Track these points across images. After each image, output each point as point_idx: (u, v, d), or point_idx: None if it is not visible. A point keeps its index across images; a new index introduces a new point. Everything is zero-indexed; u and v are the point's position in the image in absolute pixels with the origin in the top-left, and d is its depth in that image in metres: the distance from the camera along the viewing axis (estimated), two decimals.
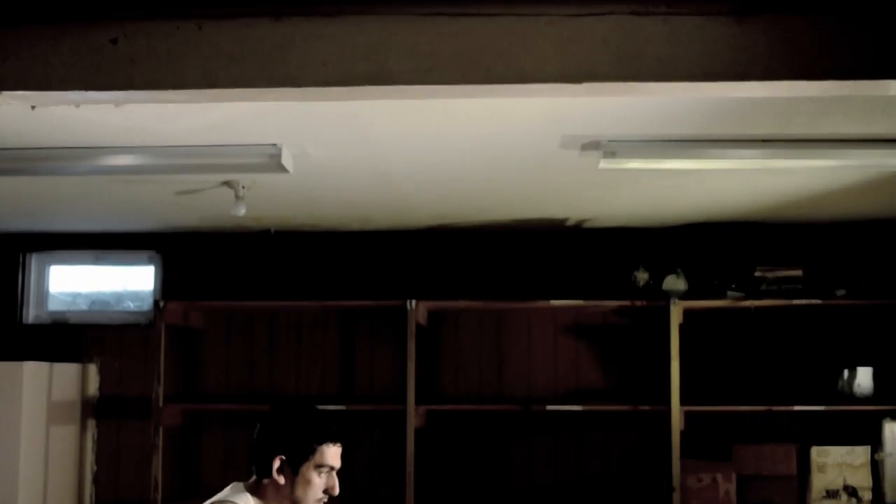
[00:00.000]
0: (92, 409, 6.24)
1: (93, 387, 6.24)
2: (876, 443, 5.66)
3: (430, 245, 6.17)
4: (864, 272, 5.75)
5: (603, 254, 6.08)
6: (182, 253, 6.29)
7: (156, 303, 5.82)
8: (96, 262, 6.46)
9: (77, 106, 3.35)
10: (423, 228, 6.05)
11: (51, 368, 5.88)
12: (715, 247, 5.96)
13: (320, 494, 3.09)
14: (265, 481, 3.07)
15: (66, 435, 6.01)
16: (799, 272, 5.68)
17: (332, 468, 3.09)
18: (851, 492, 5.60)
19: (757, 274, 5.66)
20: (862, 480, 5.61)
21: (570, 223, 5.87)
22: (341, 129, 3.90)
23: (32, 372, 5.73)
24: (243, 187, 4.75)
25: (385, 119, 3.76)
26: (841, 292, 5.64)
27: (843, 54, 2.77)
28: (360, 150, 4.20)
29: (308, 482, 3.05)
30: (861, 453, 5.63)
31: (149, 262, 6.39)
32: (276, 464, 3.03)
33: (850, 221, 5.80)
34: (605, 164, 4.08)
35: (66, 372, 6.04)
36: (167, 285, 6.27)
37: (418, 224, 5.94)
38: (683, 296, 5.63)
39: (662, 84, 2.81)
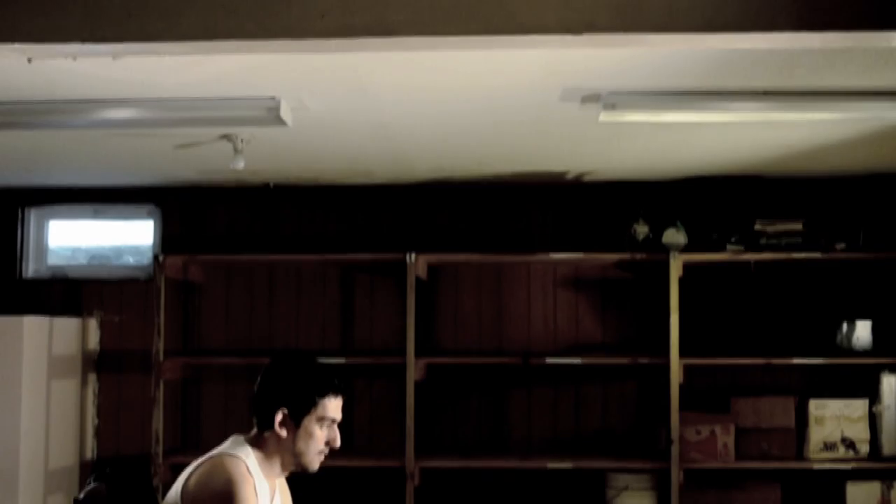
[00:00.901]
0: (92, 363, 6.25)
1: (93, 341, 6.25)
2: (874, 396, 5.68)
3: (430, 199, 6.16)
4: (864, 225, 5.74)
5: (603, 207, 6.07)
6: (181, 207, 6.29)
7: (155, 257, 5.81)
8: (95, 216, 6.45)
9: (74, 59, 3.33)
10: (422, 182, 6.03)
11: (51, 323, 5.89)
12: (715, 200, 5.95)
13: (322, 447, 3.10)
14: (266, 434, 3.08)
15: (67, 389, 6.03)
16: (799, 225, 5.67)
17: (333, 420, 3.11)
18: (849, 444, 5.63)
19: (757, 227, 5.66)
20: (859, 433, 5.64)
21: (569, 176, 5.85)
22: (340, 82, 3.88)
23: (32, 326, 5.74)
24: (242, 141, 4.73)
25: (384, 71, 3.74)
26: (841, 246, 5.64)
27: (846, 5, 2.75)
28: (359, 102, 4.18)
29: (310, 435, 3.06)
30: (859, 406, 5.66)
31: (148, 216, 6.37)
32: (279, 417, 3.04)
33: (850, 175, 5.78)
34: (605, 116, 4.06)
35: (67, 326, 6.05)
36: (166, 239, 6.27)
37: (418, 178, 5.92)
38: (683, 249, 5.63)
39: (663, 35, 2.80)
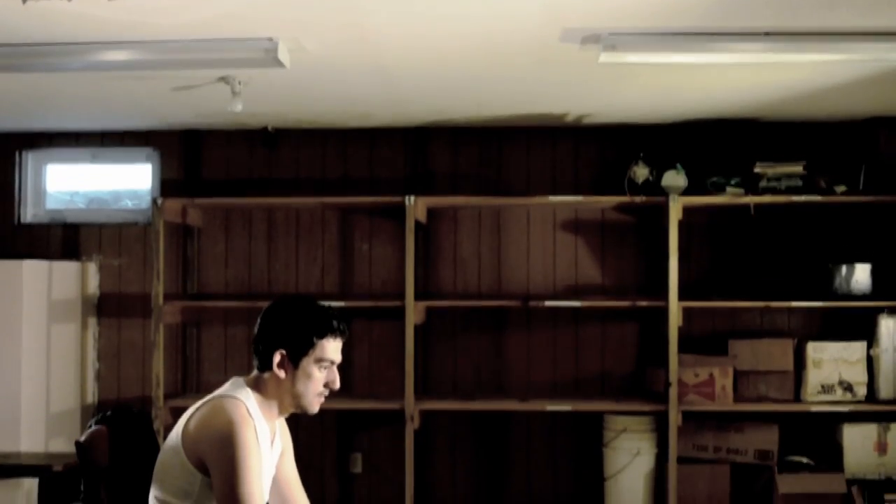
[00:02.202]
0: (92, 307, 6.26)
1: (92, 285, 6.26)
2: (872, 339, 5.70)
3: (429, 142, 6.13)
4: (864, 168, 5.72)
5: (602, 150, 6.05)
6: (179, 150, 6.26)
7: (153, 201, 5.80)
8: (93, 160, 6.43)
9: (69, 0, 3.30)
10: (422, 125, 6.01)
11: (50, 267, 5.89)
12: (715, 143, 5.93)
13: (321, 388, 3.11)
14: (266, 375, 3.09)
15: (67, 333, 6.04)
16: (799, 168, 5.65)
17: (332, 362, 3.11)
18: (846, 387, 5.65)
19: (757, 170, 5.64)
20: (857, 376, 5.66)
21: (569, 119, 5.83)
22: (338, 23, 3.84)
23: (32, 270, 5.74)
24: (240, 83, 4.70)
25: (383, 12, 3.71)
26: (841, 189, 5.63)
27: None
28: (358, 44, 4.15)
29: (309, 376, 3.06)
30: (857, 349, 5.67)
31: (146, 159, 6.35)
32: (277, 358, 3.04)
33: (851, 118, 5.76)
34: (605, 57, 4.03)
35: (66, 270, 6.06)
36: (165, 183, 6.25)
37: (417, 121, 5.90)
38: (683, 192, 5.61)
39: None
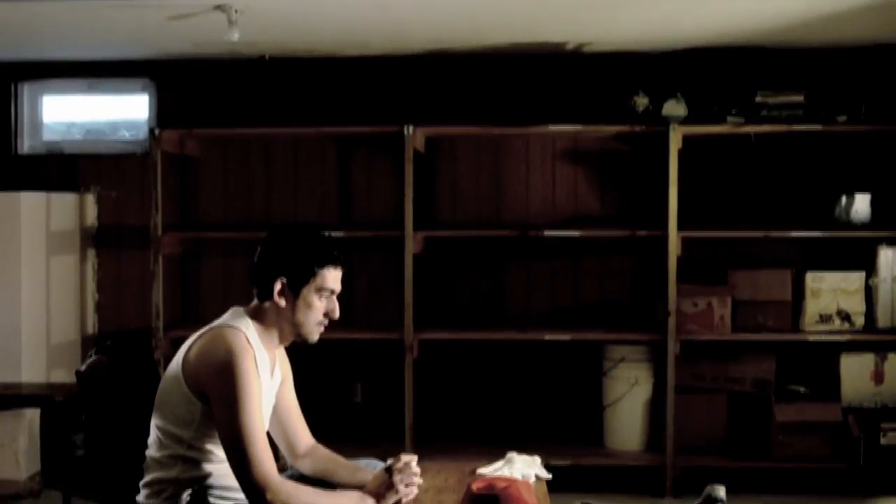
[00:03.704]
0: (91, 238, 6.26)
1: (91, 216, 6.25)
2: (871, 269, 5.70)
3: (428, 71, 6.09)
4: (865, 98, 5.69)
5: (602, 79, 6.01)
6: (176, 80, 6.22)
7: (151, 131, 5.77)
8: (90, 90, 6.39)
9: None
10: (420, 53, 5.95)
11: (48, 198, 5.88)
12: (716, 71, 5.89)
13: (320, 318, 3.11)
14: (266, 305, 3.09)
15: (66, 265, 6.04)
16: (800, 98, 5.62)
17: (332, 292, 3.11)
18: (844, 316, 5.67)
19: (758, 99, 5.61)
20: (855, 305, 5.68)
21: (569, 47, 5.78)
22: None
23: (30, 202, 5.73)
24: (236, 11, 4.65)
25: None
26: (842, 118, 5.60)
27: None
28: None
29: (309, 305, 3.07)
30: (855, 279, 5.68)
31: (143, 90, 6.31)
32: (278, 286, 3.05)
33: (852, 46, 5.71)
34: None
35: (64, 202, 6.04)
36: (162, 113, 6.22)
37: (416, 49, 5.84)
38: (683, 121, 5.59)
39: None
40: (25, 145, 6.36)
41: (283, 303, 3.06)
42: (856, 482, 5.52)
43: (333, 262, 3.08)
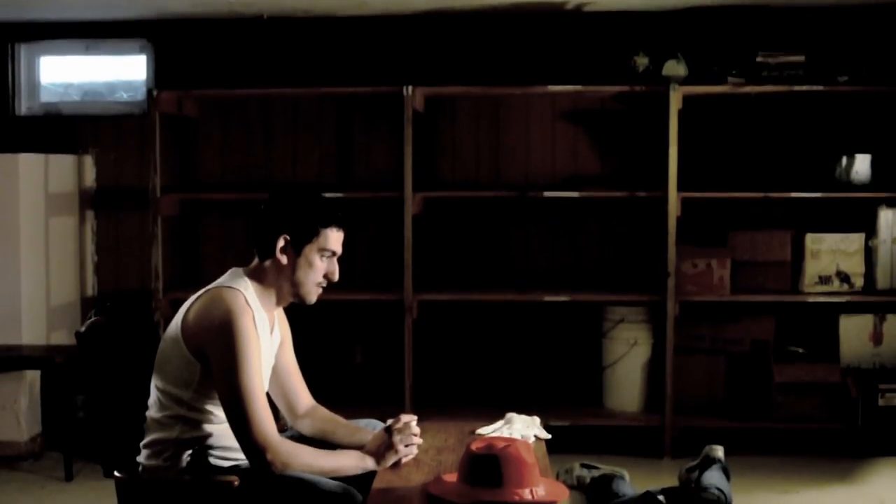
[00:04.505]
0: (90, 200, 6.25)
1: (89, 178, 6.24)
2: (870, 230, 5.70)
3: (427, 30, 6.05)
4: (867, 58, 5.66)
5: (602, 38, 5.97)
6: (174, 41, 6.18)
7: (149, 92, 5.74)
8: (87, 51, 6.35)
9: None
10: (420, 13, 5.91)
11: (46, 160, 5.86)
12: (717, 31, 5.86)
13: (320, 279, 3.12)
14: (266, 264, 3.09)
15: (65, 226, 6.04)
16: (801, 58, 5.59)
17: (333, 253, 3.12)
18: (844, 278, 5.67)
19: (758, 59, 5.58)
20: (855, 267, 5.68)
21: (569, 6, 5.74)
22: None
23: (28, 163, 5.71)
24: None
25: None
26: (843, 78, 5.57)
27: None
28: None
29: (310, 264, 3.08)
30: (855, 240, 5.68)
31: (141, 51, 6.27)
32: (281, 243, 3.05)
33: (854, 6, 5.68)
34: None
35: (62, 163, 6.03)
36: (160, 74, 6.18)
37: (415, 8, 5.80)
38: (683, 81, 5.56)
39: None
40: (23, 107, 6.34)
41: (284, 260, 3.06)
42: (854, 443, 5.54)
43: (337, 223, 3.09)
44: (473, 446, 2.82)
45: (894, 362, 5.66)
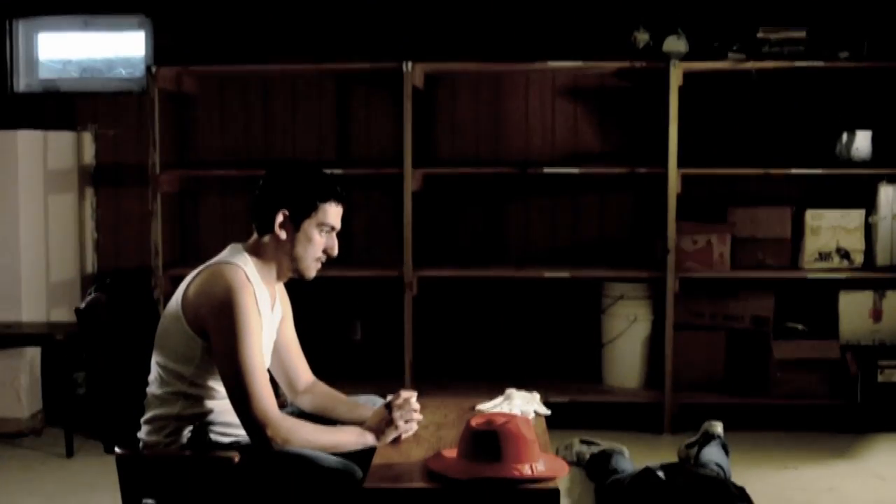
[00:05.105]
0: (89, 177, 6.24)
1: (88, 155, 6.22)
2: (870, 206, 5.69)
3: (427, 5, 6.03)
4: (868, 34, 5.64)
5: (603, 14, 5.95)
6: (173, 16, 6.16)
7: (148, 68, 5.72)
8: (86, 27, 6.33)
9: None
10: None
11: (45, 137, 5.84)
12: (717, 7, 5.84)
13: (319, 254, 3.12)
14: (265, 239, 3.09)
15: (64, 203, 6.03)
16: (802, 33, 5.57)
17: (332, 228, 3.12)
18: (844, 254, 5.67)
19: (759, 35, 5.56)
20: (855, 243, 5.67)
21: None
22: None
23: (26, 140, 5.70)
24: None
25: None
26: (844, 54, 5.55)
27: None
28: None
29: (309, 239, 3.07)
30: (855, 217, 5.67)
31: (139, 26, 6.25)
32: (280, 218, 3.05)
33: None
34: None
35: (61, 140, 6.01)
36: (158, 50, 6.16)
37: None
38: (684, 57, 5.53)
39: None
40: (21, 83, 6.32)
41: (283, 235, 3.06)
42: (853, 419, 5.55)
43: (335, 198, 3.09)
44: (473, 422, 2.82)
45: (894, 339, 5.67)
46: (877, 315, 5.68)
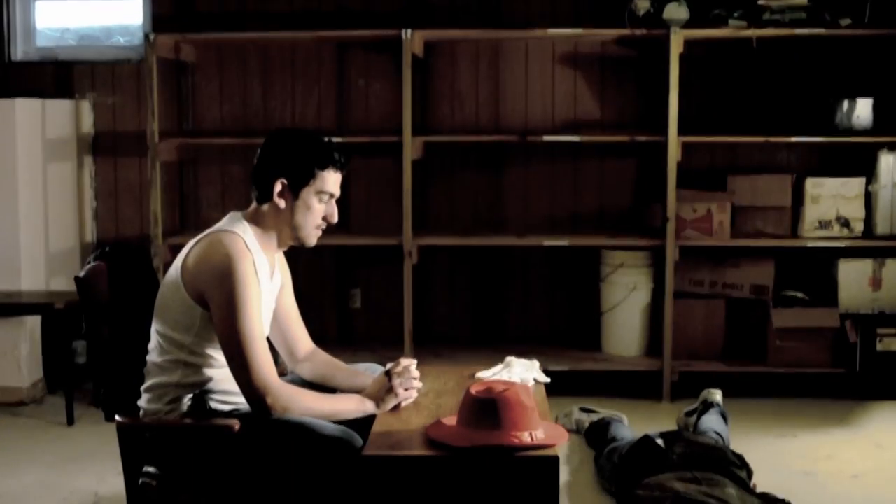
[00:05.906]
0: (88, 145, 6.22)
1: (87, 123, 6.20)
2: (871, 174, 5.68)
3: None
4: (869, 1, 5.60)
5: None
6: None
7: (146, 36, 5.69)
8: None
9: None
10: None
11: (43, 105, 5.82)
12: None
13: (319, 221, 3.11)
14: (264, 207, 3.09)
15: (63, 172, 6.01)
16: (804, 1, 5.53)
17: (331, 195, 3.11)
18: (843, 222, 5.66)
19: (760, 2, 5.52)
20: (854, 211, 5.66)
21: None
22: None
23: (25, 108, 5.68)
24: None
25: None
26: (845, 22, 5.52)
27: None
28: None
29: (308, 207, 3.07)
30: (855, 185, 5.66)
31: None
32: (278, 187, 3.04)
33: None
34: None
35: (59, 108, 5.99)
36: (156, 18, 6.13)
37: None
38: (685, 25, 5.50)
39: None
40: (19, 52, 6.29)
41: (282, 204, 3.05)
42: (852, 387, 5.57)
43: (334, 165, 3.08)
44: (473, 390, 2.83)
45: (893, 307, 5.67)
46: (876, 283, 5.68)
